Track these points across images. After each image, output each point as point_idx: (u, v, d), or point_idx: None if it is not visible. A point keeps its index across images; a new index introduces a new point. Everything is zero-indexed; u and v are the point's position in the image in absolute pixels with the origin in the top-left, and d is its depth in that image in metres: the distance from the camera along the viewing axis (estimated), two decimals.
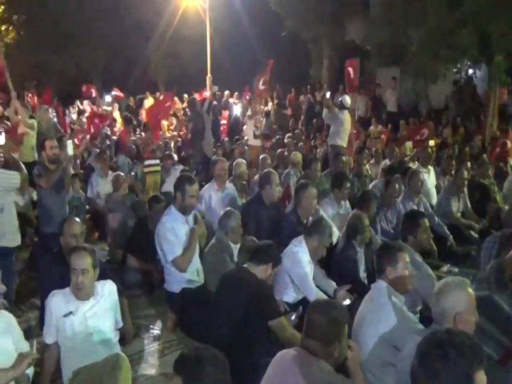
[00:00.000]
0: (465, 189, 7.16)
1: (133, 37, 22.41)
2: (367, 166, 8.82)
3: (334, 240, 5.32)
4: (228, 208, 5.17)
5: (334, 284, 4.67)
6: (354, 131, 11.31)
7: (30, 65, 25.32)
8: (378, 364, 3.14)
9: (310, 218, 5.71)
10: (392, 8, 15.24)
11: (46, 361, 3.54)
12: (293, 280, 4.52)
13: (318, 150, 11.68)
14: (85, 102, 17.49)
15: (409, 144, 10.35)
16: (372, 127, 13.51)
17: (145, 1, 21.16)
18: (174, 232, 4.54)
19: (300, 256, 4.52)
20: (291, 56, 20.35)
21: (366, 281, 4.90)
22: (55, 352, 3.52)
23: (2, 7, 25.75)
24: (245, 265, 3.82)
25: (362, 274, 5.02)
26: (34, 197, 6.91)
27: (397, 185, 6.16)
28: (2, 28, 25.45)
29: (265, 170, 6.33)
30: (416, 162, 8.31)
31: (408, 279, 3.35)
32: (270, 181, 5.73)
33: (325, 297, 4.38)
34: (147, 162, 8.69)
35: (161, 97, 18.82)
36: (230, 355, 3.25)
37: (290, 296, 4.56)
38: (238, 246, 4.92)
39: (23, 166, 5.65)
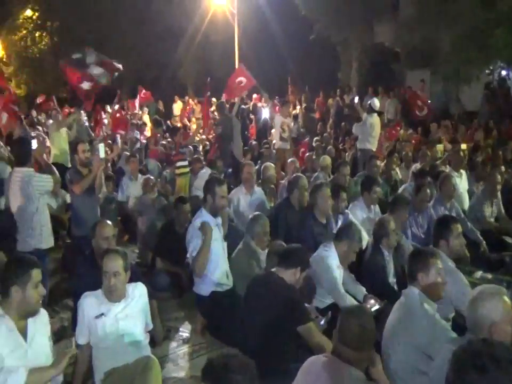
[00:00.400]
0: (499, 194, 6.99)
1: (163, 42, 22.73)
2: (397, 170, 8.71)
3: (364, 245, 5.27)
4: (256, 213, 5.17)
5: (364, 289, 4.62)
6: (390, 132, 11.22)
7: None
8: (409, 372, 3.09)
9: (339, 222, 5.74)
10: (423, 10, 15.08)
11: (79, 361, 3.60)
12: (322, 285, 4.49)
13: (346, 154, 11.59)
14: (116, 107, 17.77)
15: (440, 147, 10.17)
16: (401, 130, 13.32)
17: (175, 7, 21.45)
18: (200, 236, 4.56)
19: (329, 260, 4.50)
20: (319, 59, 20.30)
21: (395, 287, 4.83)
22: (87, 353, 3.58)
23: (37, 14, 26.45)
24: (273, 269, 3.81)
25: (392, 279, 4.94)
26: (68, 199, 7.05)
27: (428, 190, 6.06)
28: (37, 35, 26.14)
29: (294, 174, 6.32)
30: (447, 166, 8.17)
31: (441, 286, 3.29)
32: (299, 185, 5.72)
33: (355, 302, 4.35)
34: (178, 163, 8.75)
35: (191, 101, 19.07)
36: (258, 360, 3.24)
37: (319, 301, 4.53)
38: (266, 251, 4.91)
39: (55, 169, 5.78)
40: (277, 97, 15.58)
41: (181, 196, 6.52)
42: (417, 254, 3.42)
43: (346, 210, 5.91)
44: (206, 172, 8.06)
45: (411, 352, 3.07)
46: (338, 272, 4.51)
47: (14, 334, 2.92)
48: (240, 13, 18.91)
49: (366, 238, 5.47)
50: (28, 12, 26.69)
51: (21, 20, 26.71)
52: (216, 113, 13.59)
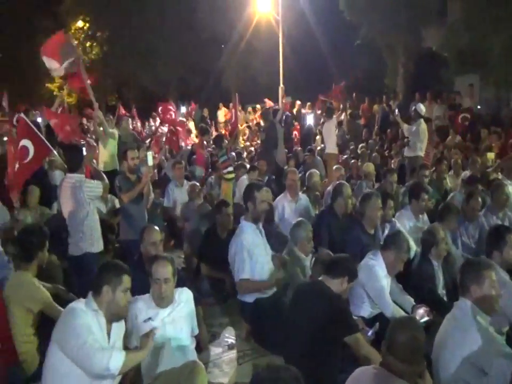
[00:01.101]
0: None
1: (207, 50, 23.05)
2: (446, 178, 8.48)
3: (412, 254, 5.16)
4: (298, 219, 5.15)
5: (412, 300, 4.51)
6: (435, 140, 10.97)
7: (112, 79, 26.71)
8: None
9: (386, 231, 5.63)
10: (472, 14, 14.69)
11: None
12: (369, 295, 4.41)
13: (392, 161, 11.38)
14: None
15: (491, 155, 9.85)
16: (450, 137, 12.98)
17: (220, 15, 21.70)
18: (248, 251, 4.62)
19: (376, 269, 4.41)
20: (365, 65, 20.07)
21: (445, 298, 4.70)
22: None
23: (88, 24, 27.37)
24: (320, 278, 3.78)
25: (441, 290, 4.81)
26: (117, 204, 7.23)
27: (479, 198, 5.87)
28: (87, 45, 27.02)
29: (338, 182, 6.26)
30: (499, 173, 7.90)
31: (495, 299, 3.17)
32: (342, 193, 5.66)
33: (402, 313, 4.25)
34: (224, 170, 8.80)
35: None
36: (304, 370, 3.23)
37: (366, 310, 4.45)
38: (309, 257, 4.88)
39: (104, 175, 5.92)
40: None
41: (223, 200, 6.56)
42: (470, 265, 3.31)
43: (393, 219, 5.80)
44: (244, 179, 8.08)
45: (463, 366, 2.97)
46: (385, 281, 4.42)
47: (103, 332, 3.07)
48: (285, 20, 18.94)
49: (413, 248, 5.35)
50: (79, 23, 27.66)
51: (72, 31, 27.68)
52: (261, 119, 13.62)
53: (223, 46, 22.70)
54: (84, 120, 15.87)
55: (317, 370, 3.43)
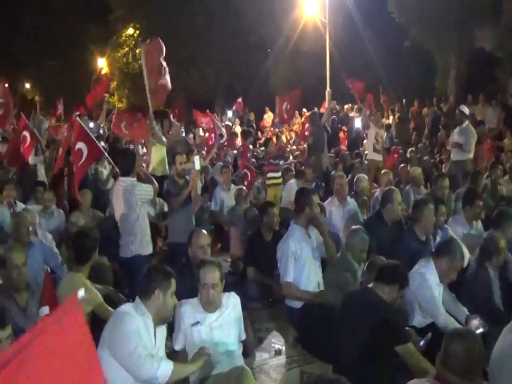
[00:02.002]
0: None
1: (254, 53, 23.15)
2: (501, 183, 8.16)
3: (465, 262, 4.98)
4: (356, 226, 5.08)
5: (465, 310, 4.35)
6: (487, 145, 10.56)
7: None
8: None
9: (438, 238, 5.47)
10: None
11: None
12: (420, 304, 4.28)
13: (443, 165, 11.06)
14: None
15: None
16: (505, 140, 12.50)
17: (266, 20, 21.76)
18: (295, 255, 4.60)
19: (428, 277, 4.27)
20: (414, 67, 19.61)
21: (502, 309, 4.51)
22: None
23: (138, 31, 28.09)
24: (370, 285, 3.70)
25: (498, 300, 4.62)
26: (165, 208, 7.34)
27: None
28: (137, 51, 27.71)
29: (387, 187, 6.13)
30: None
31: None
32: (392, 200, 5.53)
33: (455, 322, 4.10)
34: (269, 174, 8.81)
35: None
36: (353, 379, 3.16)
37: (417, 320, 4.32)
38: (361, 267, 4.79)
39: (153, 179, 6.03)
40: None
41: (268, 201, 6.54)
42: None
43: (445, 226, 5.62)
44: (293, 183, 8.04)
45: None
46: (437, 290, 4.28)
47: (150, 335, 3.12)
48: (331, 22, 18.78)
49: (467, 256, 5.17)
50: (130, 30, 28.42)
51: (123, 38, 28.50)
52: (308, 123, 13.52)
53: (269, 50, 22.73)
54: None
55: (366, 380, 3.35)
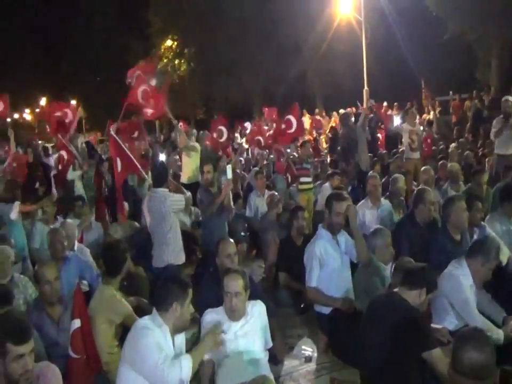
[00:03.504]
0: None
1: (289, 57, 23.15)
2: None
3: (504, 260, 4.78)
4: (376, 226, 4.97)
5: (503, 310, 4.17)
6: None
7: (200, 93, 27.70)
8: None
9: (475, 236, 5.27)
10: None
11: (203, 375, 3.70)
12: (454, 306, 4.14)
13: (487, 159, 10.66)
14: (247, 123, 18.46)
15: None
16: None
17: (301, 23, 21.70)
18: (320, 259, 4.56)
19: (461, 279, 4.11)
20: (454, 60, 19.07)
21: None
22: (210, 367, 3.67)
23: (176, 43, 28.68)
24: (395, 290, 3.60)
25: None
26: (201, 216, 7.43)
27: None
28: (176, 62, 28.29)
29: (419, 188, 5.96)
30: None
31: None
32: (424, 200, 5.36)
33: (491, 325, 3.94)
34: (302, 179, 8.76)
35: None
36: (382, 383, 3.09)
37: (451, 323, 4.16)
38: (389, 266, 4.68)
39: (184, 189, 6.10)
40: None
41: (298, 205, 6.51)
42: None
43: (482, 223, 5.42)
44: (327, 186, 7.95)
45: None
46: (471, 291, 4.11)
47: (170, 344, 3.15)
48: (367, 20, 18.51)
49: (506, 253, 4.97)
50: (168, 42, 29.05)
51: (162, 50, 29.14)
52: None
53: (305, 52, 22.66)
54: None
55: None
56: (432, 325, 3.86)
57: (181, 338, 3.31)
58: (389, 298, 3.60)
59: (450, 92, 16.66)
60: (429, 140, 13.01)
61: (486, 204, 6.22)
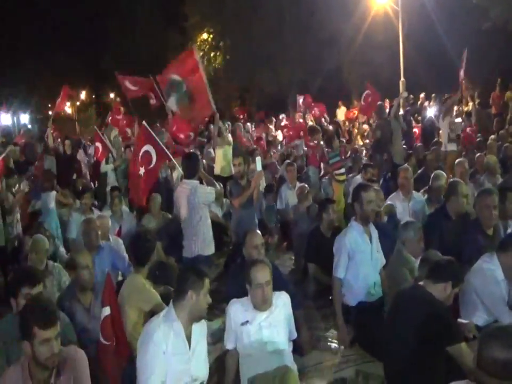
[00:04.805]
0: None
1: (326, 49, 22.91)
2: None
3: None
4: (407, 219, 4.91)
5: None
6: None
7: (235, 86, 27.78)
8: None
9: (510, 230, 5.13)
10: None
11: (228, 364, 3.78)
12: (483, 301, 4.06)
13: None
14: (282, 115, 18.41)
15: None
16: None
17: (337, 14, 21.42)
18: (349, 251, 4.57)
19: (491, 273, 4.03)
20: (495, 50, 18.44)
21: None
22: (235, 357, 3.74)
23: (212, 36, 28.78)
24: (421, 283, 3.57)
25: None
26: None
27: None
28: (211, 55, 28.41)
29: (452, 179, 5.83)
30: None
31: None
32: (457, 192, 5.25)
33: None
34: (336, 171, 8.68)
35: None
36: (405, 379, 3.07)
37: (480, 318, 4.08)
38: (419, 259, 4.62)
39: (215, 181, 6.15)
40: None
41: (328, 198, 6.47)
42: None
43: None
44: (358, 179, 7.87)
45: None
46: (502, 286, 4.02)
47: (180, 339, 3.16)
48: (404, 10, 18.12)
49: None
50: (204, 35, 29.18)
51: (198, 43, 29.31)
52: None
53: (341, 44, 22.38)
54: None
55: (418, 381, 3.25)
56: (459, 320, 3.79)
57: (200, 329, 3.31)
58: (414, 291, 3.57)
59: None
60: (469, 130, 12.69)
61: None
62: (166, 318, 3.18)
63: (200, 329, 3.31)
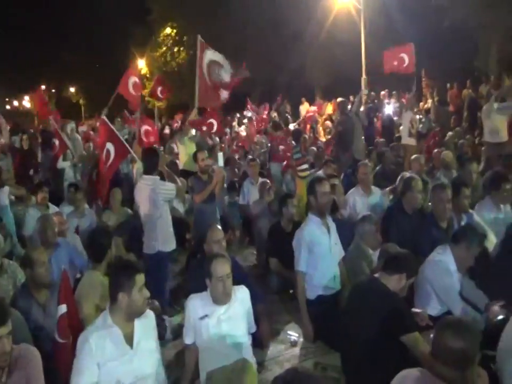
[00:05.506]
0: None
1: (290, 46, 23.03)
2: None
3: (490, 247, 4.82)
4: (364, 213, 5.01)
5: (485, 297, 4.20)
6: None
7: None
8: None
9: (463, 223, 5.30)
10: None
11: (187, 360, 3.78)
12: (436, 292, 4.18)
13: (483, 149, 10.65)
14: (246, 112, 18.43)
15: None
16: None
17: (300, 11, 21.56)
18: (308, 244, 4.62)
19: (444, 265, 4.17)
20: (454, 48, 18.89)
21: None
22: (194, 352, 3.72)
23: (175, 30, 28.49)
24: (376, 275, 3.65)
25: None
26: None
27: None
28: (175, 50, 28.14)
29: (407, 176, 5.97)
30: None
31: None
32: (411, 187, 5.39)
33: (472, 311, 3.98)
34: (299, 167, 8.74)
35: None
36: (362, 369, 3.13)
37: (434, 308, 4.21)
38: (377, 252, 4.72)
39: (176, 178, 6.11)
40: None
41: (288, 193, 6.53)
42: None
43: (471, 210, 5.44)
44: (320, 174, 7.94)
45: None
46: (454, 278, 4.16)
47: (119, 343, 3.06)
48: (366, 8, 18.36)
49: (493, 241, 4.99)
50: (168, 30, 28.87)
51: (161, 38, 28.98)
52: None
53: (304, 41, 22.53)
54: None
55: (374, 370, 3.32)
56: (413, 309, 3.90)
57: (143, 324, 3.21)
58: (370, 283, 3.65)
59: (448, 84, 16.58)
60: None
61: (477, 192, 6.22)
62: (102, 325, 3.10)
63: (144, 324, 3.21)
